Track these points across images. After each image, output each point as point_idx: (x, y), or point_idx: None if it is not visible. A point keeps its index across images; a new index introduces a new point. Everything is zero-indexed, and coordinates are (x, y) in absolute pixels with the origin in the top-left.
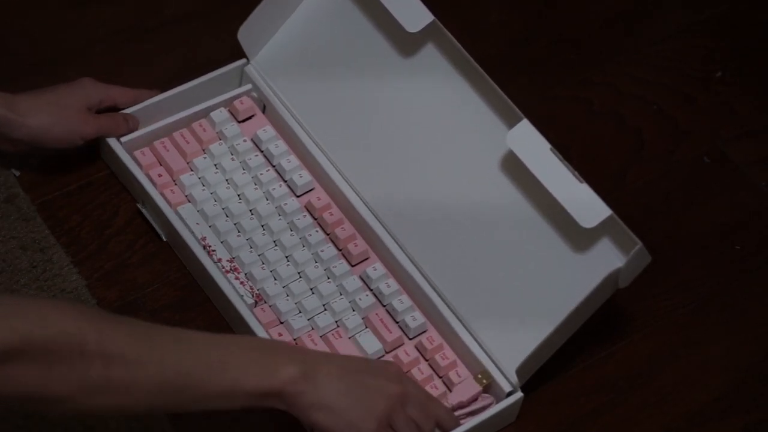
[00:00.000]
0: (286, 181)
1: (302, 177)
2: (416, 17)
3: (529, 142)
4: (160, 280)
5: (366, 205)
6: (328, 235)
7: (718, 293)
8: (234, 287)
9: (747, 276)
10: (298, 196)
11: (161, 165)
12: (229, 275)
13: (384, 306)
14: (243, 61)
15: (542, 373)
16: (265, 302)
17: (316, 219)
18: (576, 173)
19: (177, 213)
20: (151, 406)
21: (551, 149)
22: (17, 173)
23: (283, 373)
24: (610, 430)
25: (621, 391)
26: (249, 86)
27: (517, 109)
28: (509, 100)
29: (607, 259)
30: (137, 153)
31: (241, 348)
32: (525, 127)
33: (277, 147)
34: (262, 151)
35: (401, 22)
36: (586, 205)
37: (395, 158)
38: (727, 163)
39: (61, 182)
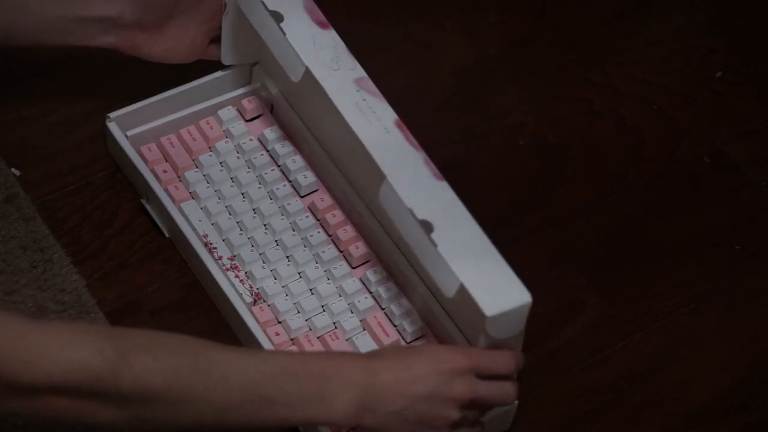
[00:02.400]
0: (290, 181)
1: (306, 177)
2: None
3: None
4: (160, 280)
5: (369, 208)
6: (330, 236)
7: (717, 293)
8: (233, 285)
9: (747, 276)
10: (301, 197)
11: (167, 161)
12: (229, 273)
13: (383, 309)
14: None
15: (541, 373)
16: (264, 301)
17: (318, 220)
18: (433, 240)
19: (180, 209)
20: None
21: (410, 211)
22: (17, 173)
23: (336, 407)
24: (610, 430)
25: (621, 391)
26: (258, 85)
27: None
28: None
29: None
30: (143, 148)
31: (291, 379)
32: (387, 187)
33: (283, 147)
34: (267, 151)
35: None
36: (443, 273)
37: None
38: (727, 163)
39: (61, 182)
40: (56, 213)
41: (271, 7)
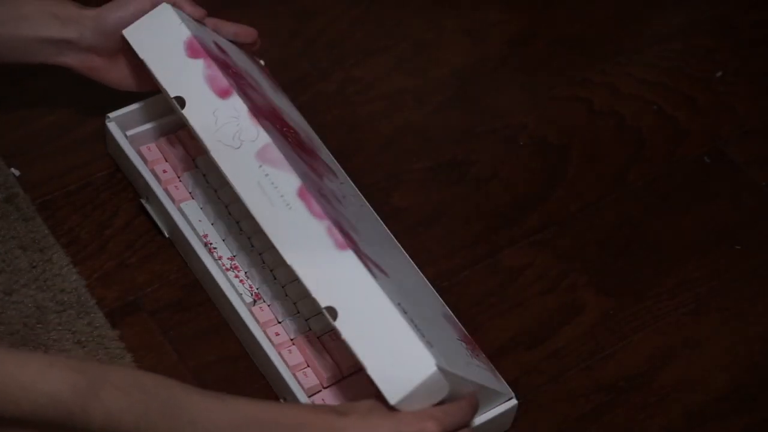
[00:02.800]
0: None
1: None
2: None
3: None
4: (160, 280)
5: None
6: None
7: (718, 293)
8: (233, 285)
9: (747, 276)
10: None
11: (167, 161)
12: (228, 273)
13: None
14: None
15: (541, 373)
16: (264, 301)
17: None
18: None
19: (180, 210)
20: None
21: (315, 299)
22: (17, 173)
23: None
24: (610, 430)
25: (621, 391)
26: None
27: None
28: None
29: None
30: (143, 149)
31: (258, 429)
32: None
33: None
34: None
35: None
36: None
37: None
38: (727, 163)
39: (61, 182)
40: (56, 213)
41: (173, 94)
